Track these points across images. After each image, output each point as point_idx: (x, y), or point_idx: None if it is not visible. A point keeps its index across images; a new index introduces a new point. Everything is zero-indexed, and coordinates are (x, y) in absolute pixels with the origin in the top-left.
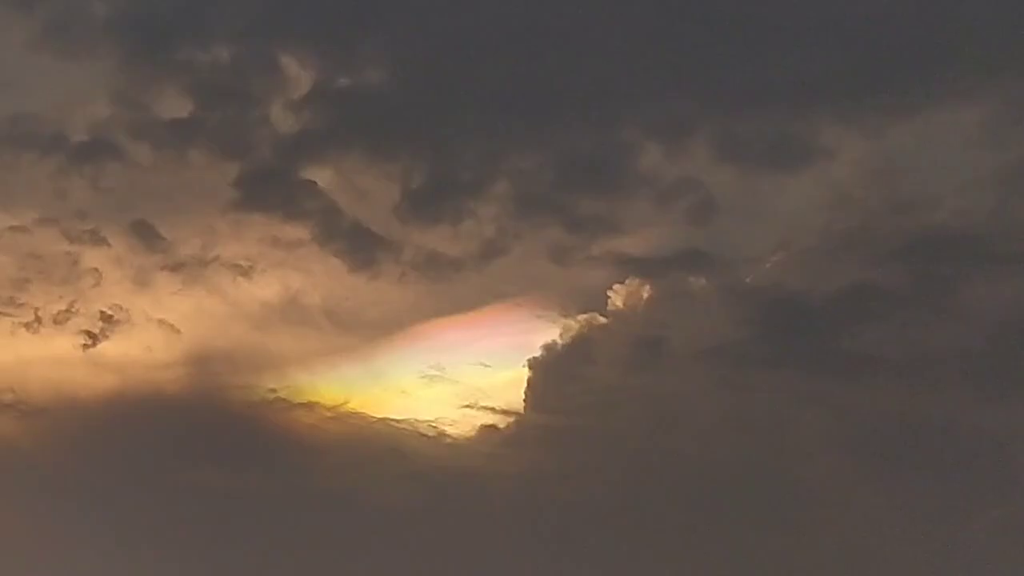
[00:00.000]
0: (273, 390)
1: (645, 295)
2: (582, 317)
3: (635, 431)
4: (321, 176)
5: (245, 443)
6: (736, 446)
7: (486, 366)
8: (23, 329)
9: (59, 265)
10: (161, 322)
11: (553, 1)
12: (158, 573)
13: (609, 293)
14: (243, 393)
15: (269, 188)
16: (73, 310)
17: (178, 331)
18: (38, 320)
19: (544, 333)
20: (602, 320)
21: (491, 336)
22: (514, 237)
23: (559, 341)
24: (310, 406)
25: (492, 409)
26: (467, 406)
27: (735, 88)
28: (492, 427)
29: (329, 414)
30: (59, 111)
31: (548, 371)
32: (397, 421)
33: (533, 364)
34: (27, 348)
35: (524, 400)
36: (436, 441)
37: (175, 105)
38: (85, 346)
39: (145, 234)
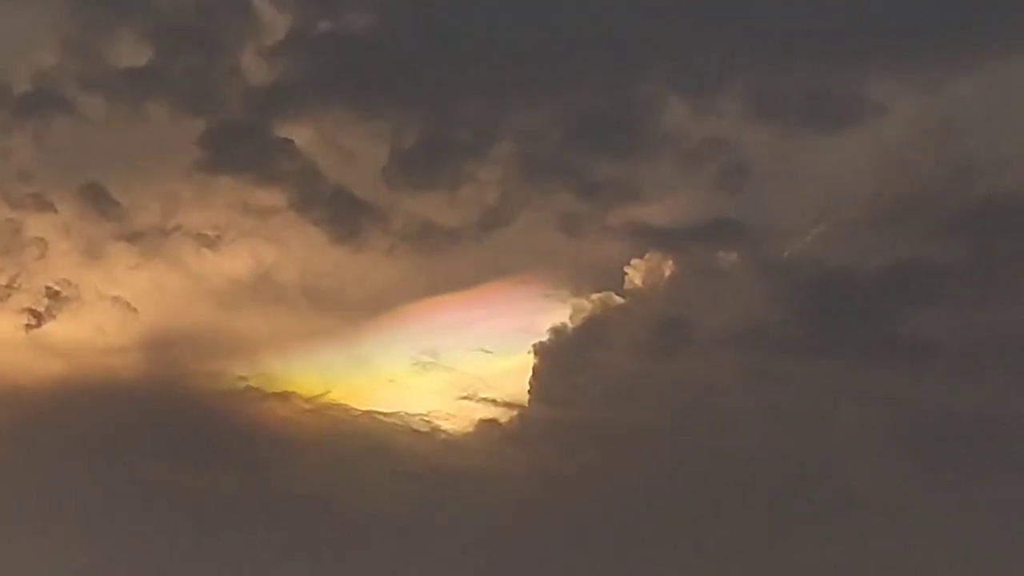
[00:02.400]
0: (243, 378)
1: (667, 272)
2: (596, 296)
3: (656, 426)
4: (299, 134)
5: (210, 438)
6: (771, 444)
7: (486, 352)
8: None
9: None
10: (115, 300)
11: None
12: None
13: (627, 269)
14: (208, 381)
15: (239, 147)
16: (14, 286)
17: (134, 310)
18: None
19: (552, 315)
20: (619, 300)
21: (492, 318)
22: (519, 205)
23: (569, 324)
24: (285, 397)
25: (493, 401)
26: (465, 398)
27: (771, 35)
28: (493, 421)
29: (307, 406)
30: None
31: (557, 358)
32: (384, 414)
33: (540, 350)
34: None
35: (529, 391)
36: (429, 437)
37: (132, 52)
38: (28, 326)
39: (97, 199)
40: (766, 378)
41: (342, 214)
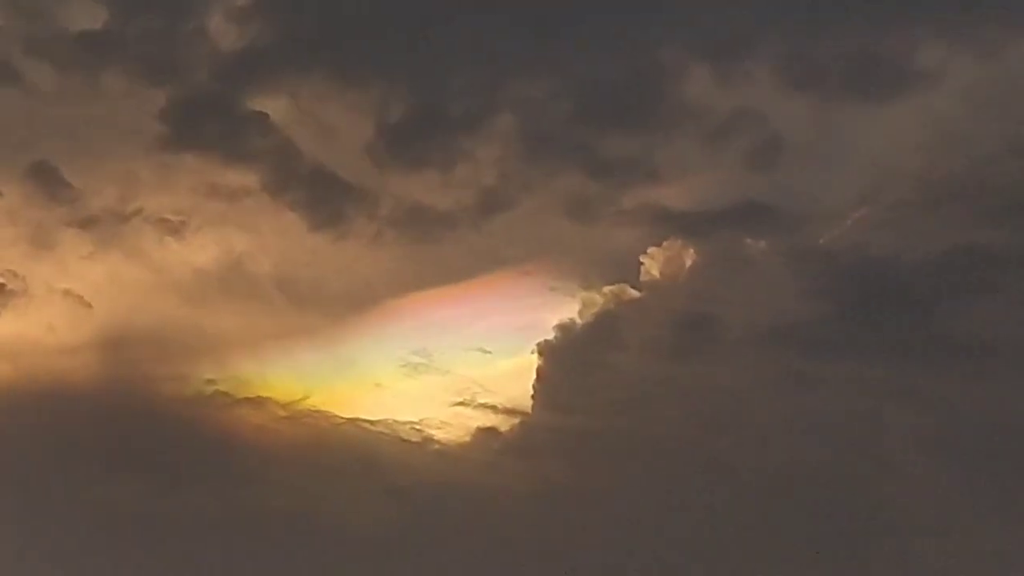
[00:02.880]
0: (211, 382)
1: (689, 262)
2: (608, 290)
3: (675, 436)
4: (273, 107)
5: (174, 450)
6: (806, 457)
7: (485, 352)
8: None
9: None
10: (67, 293)
11: None
12: None
13: (643, 259)
14: (172, 386)
15: (206, 122)
16: None
17: (88, 305)
18: None
19: (560, 310)
20: (634, 293)
21: (491, 314)
22: (521, 186)
23: (579, 320)
24: (259, 403)
25: (492, 407)
26: (460, 403)
27: None
28: (492, 430)
29: (283, 413)
30: None
31: (564, 359)
32: (370, 423)
33: (545, 350)
34: None
35: (533, 396)
36: (420, 448)
37: (85, 14)
38: None
39: (47, 180)
40: (800, 383)
41: (322, 197)
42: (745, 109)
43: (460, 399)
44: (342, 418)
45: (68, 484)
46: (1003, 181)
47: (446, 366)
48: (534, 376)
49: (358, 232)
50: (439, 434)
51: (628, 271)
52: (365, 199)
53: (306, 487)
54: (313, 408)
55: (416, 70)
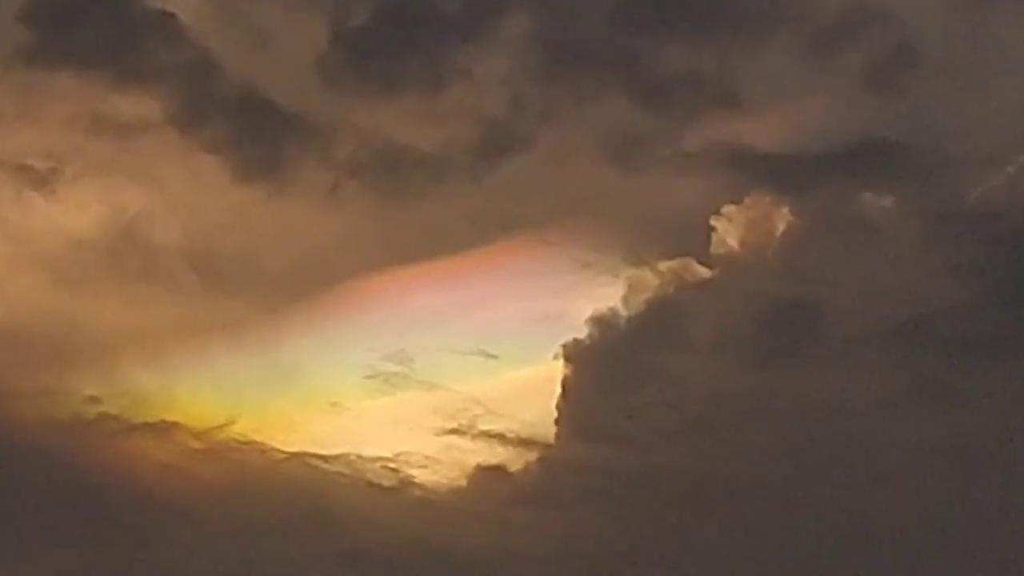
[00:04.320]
0: (94, 400)
1: (780, 225)
2: (666, 266)
3: (761, 476)
4: (183, 5)
5: (39, 496)
6: (944, 489)
7: (488, 357)
8: None
9: None
10: None
11: None
12: None
13: (715, 222)
14: (37, 405)
15: (88, 25)
16: None
17: None
18: None
19: (596, 296)
20: (702, 271)
21: (497, 302)
22: (539, 118)
23: (623, 311)
24: (163, 430)
25: (499, 437)
26: (453, 431)
27: None
28: (498, 470)
29: (198, 445)
30: None
31: (601, 367)
32: (324, 459)
33: (574, 354)
34: None
35: (556, 421)
36: (396, 496)
37: None
38: None
39: None
40: (937, 394)
41: (253, 133)
42: (865, 7)
43: (453, 425)
44: (283, 452)
45: None
46: None
47: (432, 377)
48: (558, 392)
49: (305, 184)
50: (422, 476)
51: (694, 239)
52: (315, 137)
53: (229, 552)
54: (241, 438)
55: None
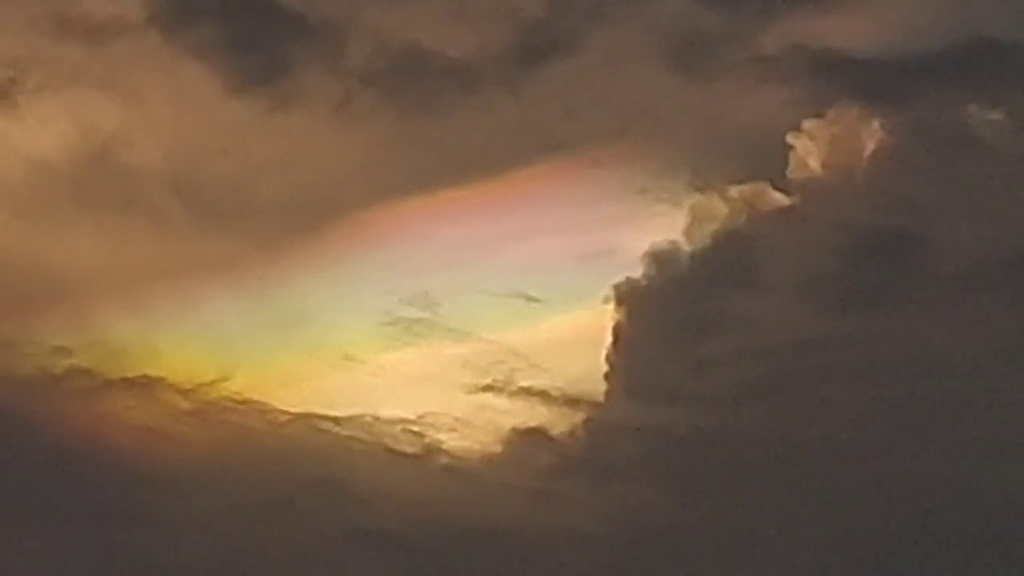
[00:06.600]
0: (63, 351)
1: (873, 144)
2: (737, 191)
3: (854, 438)
4: None
5: (2, 465)
6: None
7: (528, 300)
8: None
9: None
10: None
11: None
12: None
13: (793, 139)
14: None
15: None
16: None
17: None
18: None
19: (653, 227)
20: (779, 198)
21: (537, 235)
22: (587, 15)
23: (685, 245)
24: (144, 387)
25: (540, 395)
26: (487, 388)
27: None
28: (539, 434)
29: (185, 404)
30: None
31: (660, 312)
32: (334, 421)
33: (628, 296)
34: None
35: (607, 376)
36: (419, 465)
37: None
38: None
39: None
40: None
41: (249, 35)
42: None
43: (486, 381)
44: (286, 413)
45: None
46: None
47: (461, 325)
48: (609, 342)
49: (311, 97)
50: (450, 441)
51: (769, 159)
52: (323, 39)
53: (223, 531)
54: (236, 397)
55: None
